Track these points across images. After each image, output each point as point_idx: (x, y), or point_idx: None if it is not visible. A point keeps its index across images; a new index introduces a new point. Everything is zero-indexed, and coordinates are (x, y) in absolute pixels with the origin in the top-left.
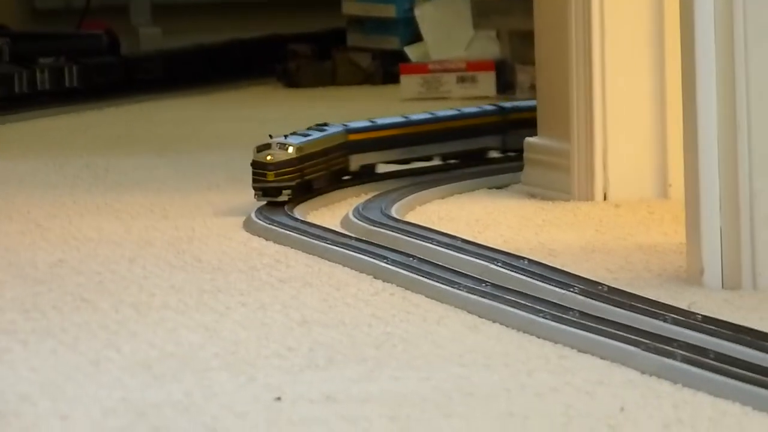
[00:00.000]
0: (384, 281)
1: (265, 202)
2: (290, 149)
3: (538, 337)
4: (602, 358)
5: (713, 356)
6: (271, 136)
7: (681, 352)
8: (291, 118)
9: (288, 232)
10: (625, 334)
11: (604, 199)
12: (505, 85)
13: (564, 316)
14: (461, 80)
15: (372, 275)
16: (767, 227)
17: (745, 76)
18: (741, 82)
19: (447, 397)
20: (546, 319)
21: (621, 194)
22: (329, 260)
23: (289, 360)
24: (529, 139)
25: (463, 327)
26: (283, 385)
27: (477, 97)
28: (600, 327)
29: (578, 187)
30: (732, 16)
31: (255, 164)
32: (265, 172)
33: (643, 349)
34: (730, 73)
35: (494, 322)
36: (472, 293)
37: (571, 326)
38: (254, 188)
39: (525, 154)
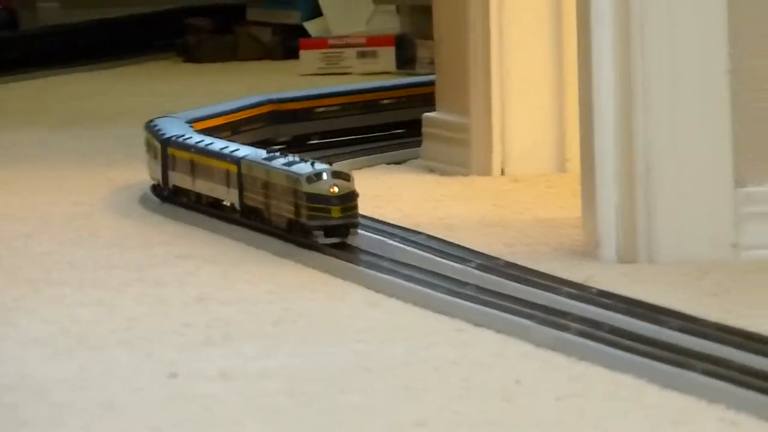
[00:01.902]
0: (283, 257)
1: (327, 242)
2: (350, 179)
3: (436, 312)
4: (499, 331)
5: (608, 329)
6: (312, 162)
7: (576, 325)
8: (191, 93)
9: (186, 209)
10: (521, 308)
11: (502, 173)
12: (405, 60)
13: (461, 290)
14: (361, 55)
15: (271, 252)
16: (663, 201)
17: (641, 52)
18: (637, 56)
19: (345, 372)
20: (443, 293)
21: (519, 169)
22: (228, 237)
23: (185, 336)
24: (427, 114)
25: (363, 303)
26: (179, 362)
27: (377, 72)
28: (497, 301)
29: (476, 161)
30: (629, 17)
31: (312, 198)
32: (329, 207)
33: (539, 323)
34: (626, 47)
35: (393, 297)
36: (371, 269)
37: (468, 300)
38: (312, 227)
39: (423, 129)
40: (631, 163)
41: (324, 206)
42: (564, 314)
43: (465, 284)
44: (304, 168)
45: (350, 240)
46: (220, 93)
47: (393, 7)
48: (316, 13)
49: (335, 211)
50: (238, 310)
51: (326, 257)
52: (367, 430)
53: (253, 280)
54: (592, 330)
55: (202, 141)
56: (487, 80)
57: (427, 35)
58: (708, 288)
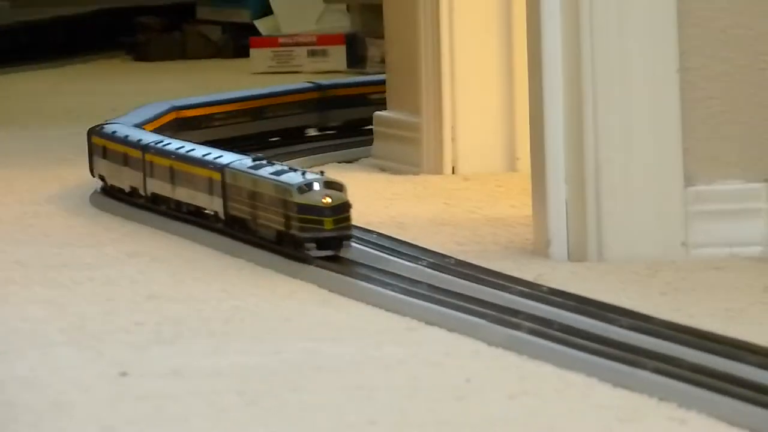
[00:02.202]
0: (233, 256)
1: (319, 255)
2: (342, 189)
3: (387, 310)
4: (450, 330)
5: (558, 327)
6: (303, 172)
7: (527, 323)
8: (140, 92)
9: (136, 208)
10: (472, 307)
11: (453, 172)
12: (356, 59)
13: (412, 289)
14: (312, 54)
15: (221, 251)
16: (613, 199)
17: (591, 50)
18: (586, 56)
19: (295, 370)
20: (395, 292)
21: (470, 167)
22: (178, 236)
23: (135, 335)
24: (378, 113)
25: (313, 301)
26: (129, 361)
27: (328, 71)
28: (448, 299)
29: (427, 160)
30: (578, 15)
31: (304, 209)
32: (321, 218)
33: (490, 321)
34: (576, 46)
35: (344, 296)
36: (321, 268)
37: (419, 299)
38: (303, 239)
39: (375, 128)
40: (581, 162)
41: (316, 218)
42: (515, 312)
43: (416, 282)
44: (294, 177)
45: (343, 253)
46: (169, 91)
47: (343, 6)
48: (267, 11)
49: (327, 223)
50: (189, 308)
51: (275, 256)
52: (317, 429)
53: (203, 278)
54: (543, 328)
55: (183, 147)
56: (438, 79)
57: (378, 34)
58: (658, 286)
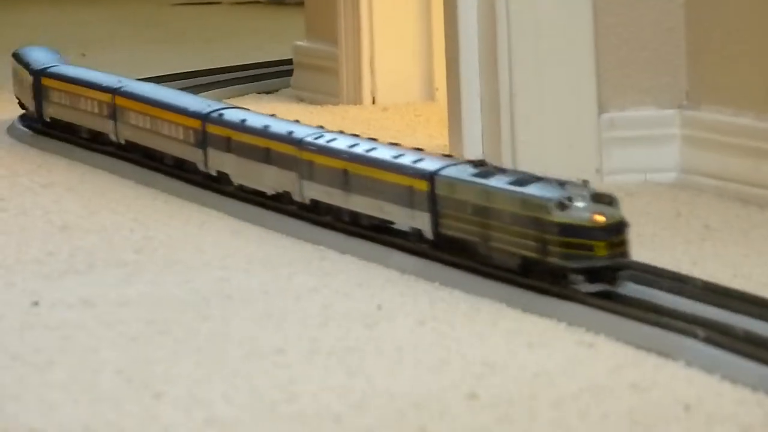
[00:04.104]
0: (146, 186)
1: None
2: (615, 203)
3: (300, 240)
4: (362, 258)
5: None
6: (561, 182)
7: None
8: (58, 23)
9: (51, 138)
10: (383, 236)
11: (373, 102)
12: None
13: (325, 218)
14: None
15: (134, 180)
16: (527, 127)
17: None
18: None
19: (206, 300)
20: (308, 222)
21: (389, 98)
22: (93, 166)
23: (48, 265)
24: (297, 43)
25: (226, 231)
26: (41, 290)
27: (248, 1)
28: (360, 230)
29: (347, 90)
30: None
31: (567, 229)
32: (591, 242)
33: (400, 249)
34: None
35: (256, 225)
36: (232, 198)
37: (331, 228)
38: (568, 269)
39: (294, 58)
40: (495, 92)
41: (584, 242)
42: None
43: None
44: (549, 189)
45: (620, 289)
46: (85, 24)
47: None
48: None
49: (600, 248)
50: (101, 238)
51: (188, 186)
52: (226, 357)
53: (117, 209)
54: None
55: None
56: (356, 9)
57: None
58: None
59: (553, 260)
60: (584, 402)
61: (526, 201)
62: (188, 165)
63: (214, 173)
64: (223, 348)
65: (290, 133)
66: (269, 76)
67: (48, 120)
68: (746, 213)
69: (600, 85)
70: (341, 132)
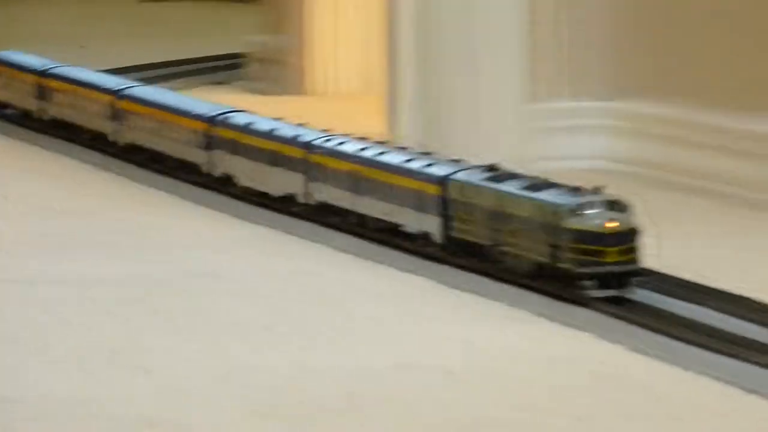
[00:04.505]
0: (128, 178)
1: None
2: (626, 208)
3: (260, 224)
4: (302, 237)
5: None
6: (574, 188)
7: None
8: (32, 21)
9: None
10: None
11: (317, 93)
12: None
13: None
14: None
15: (114, 173)
16: (459, 116)
17: None
18: None
19: (173, 278)
20: (273, 211)
21: (333, 88)
22: (77, 159)
23: (27, 245)
24: (248, 37)
25: (190, 215)
26: (7, 267)
27: None
28: (327, 219)
29: (293, 82)
30: None
31: (581, 236)
32: (603, 249)
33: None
34: None
35: (223, 212)
36: (196, 186)
37: (296, 217)
38: (580, 274)
39: (246, 52)
40: (430, 83)
41: (594, 248)
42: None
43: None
44: (563, 196)
45: (630, 294)
46: (62, 21)
47: None
48: None
49: (610, 254)
50: (80, 221)
51: (165, 177)
52: (188, 328)
53: (95, 195)
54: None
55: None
56: (303, 8)
57: None
58: None
59: (566, 266)
60: (513, 372)
61: (540, 206)
62: (192, 167)
63: (219, 175)
64: (186, 321)
65: (298, 136)
66: (222, 68)
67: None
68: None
69: (528, 78)
70: (348, 135)
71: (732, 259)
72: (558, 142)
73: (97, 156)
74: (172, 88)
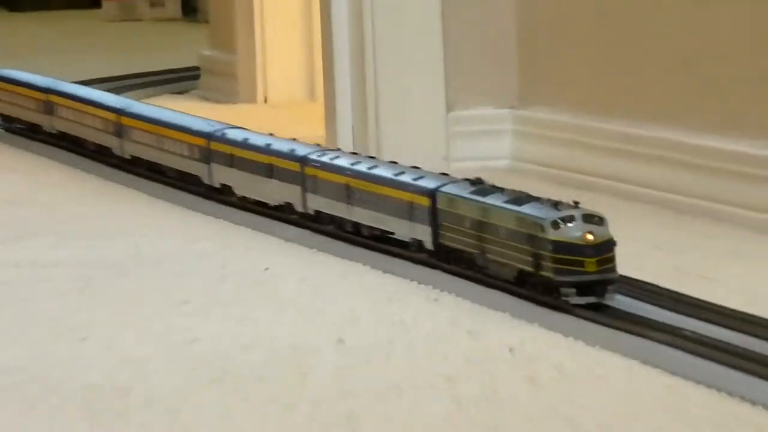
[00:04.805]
0: (83, 171)
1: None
2: (604, 223)
3: (204, 214)
4: (254, 229)
5: (337, 226)
6: (555, 203)
7: (313, 224)
8: (14, 34)
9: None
10: (272, 212)
11: (265, 101)
12: (189, 9)
13: (226, 198)
14: (152, 5)
15: (71, 165)
16: (389, 122)
17: (371, 4)
18: (367, 5)
19: (124, 262)
20: (208, 199)
21: (278, 98)
22: (38, 155)
23: None
24: (203, 52)
25: (144, 206)
26: None
27: (166, 18)
28: (253, 206)
29: (243, 92)
30: None
31: (561, 247)
32: (582, 259)
33: (287, 223)
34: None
35: (167, 201)
36: (145, 179)
37: (229, 206)
38: (560, 283)
39: (201, 65)
40: (363, 93)
41: (575, 258)
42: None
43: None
44: (544, 209)
45: (608, 301)
46: (37, 36)
47: None
48: None
49: (589, 265)
50: (38, 212)
51: (117, 171)
52: (139, 307)
53: (53, 190)
54: (323, 226)
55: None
56: (251, 25)
57: None
58: None
59: (547, 274)
60: (431, 345)
61: (523, 219)
62: (192, 178)
63: (218, 185)
64: (137, 300)
65: (293, 150)
66: (179, 79)
67: (57, 132)
68: (563, 192)
69: (448, 90)
70: (339, 149)
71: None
72: (472, 144)
73: (102, 167)
74: (136, 98)
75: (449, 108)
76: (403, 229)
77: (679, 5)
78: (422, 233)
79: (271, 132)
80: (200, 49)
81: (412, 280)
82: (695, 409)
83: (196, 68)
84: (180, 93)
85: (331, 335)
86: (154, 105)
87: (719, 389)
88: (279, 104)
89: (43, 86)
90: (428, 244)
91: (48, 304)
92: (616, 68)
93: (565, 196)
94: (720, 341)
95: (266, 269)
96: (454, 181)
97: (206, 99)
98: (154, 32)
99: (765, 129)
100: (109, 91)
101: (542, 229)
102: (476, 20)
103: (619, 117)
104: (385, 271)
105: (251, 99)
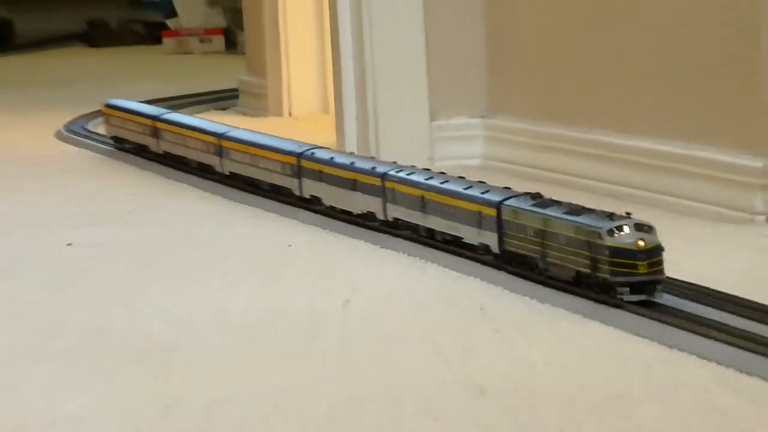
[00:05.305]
0: (144, 169)
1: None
2: (653, 230)
3: (241, 203)
4: (282, 215)
5: (340, 211)
6: (610, 214)
7: (327, 210)
8: (94, 65)
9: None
10: (294, 200)
11: (290, 115)
12: (231, 44)
13: (257, 190)
14: (201, 41)
15: (137, 166)
16: (385, 130)
17: (370, 36)
18: (367, 39)
19: (175, 242)
20: (249, 193)
21: (300, 111)
22: (116, 159)
23: (77, 220)
24: (241, 77)
25: (193, 197)
26: (71, 237)
27: (212, 51)
28: (281, 196)
29: (272, 107)
30: (361, 13)
31: (617, 252)
32: (635, 262)
33: (304, 210)
34: (360, 36)
35: (216, 194)
36: (199, 177)
37: (261, 196)
38: (617, 283)
39: (239, 87)
40: (365, 108)
41: (629, 261)
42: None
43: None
44: (601, 220)
45: (657, 298)
46: (113, 67)
47: (221, 9)
48: (174, 13)
49: (642, 267)
50: (109, 204)
51: (176, 171)
52: (187, 279)
53: (121, 186)
54: (331, 211)
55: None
56: (278, 56)
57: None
58: None
59: (604, 275)
60: (420, 311)
61: (582, 228)
62: (284, 190)
63: (308, 196)
64: (186, 272)
65: (374, 168)
66: (223, 99)
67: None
68: (523, 184)
69: (431, 104)
70: (414, 166)
71: None
72: (451, 147)
73: (204, 182)
74: (190, 113)
75: (432, 118)
76: (472, 236)
77: (628, 26)
78: (489, 239)
79: (301, 138)
80: (239, 75)
81: (402, 252)
82: (625, 355)
83: (236, 90)
84: (223, 109)
85: (339, 301)
86: (248, 129)
87: (670, 346)
88: (300, 117)
89: (150, 114)
90: (495, 249)
91: (118, 273)
92: (569, 84)
93: (526, 188)
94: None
95: (289, 246)
96: (516, 195)
97: (244, 114)
98: (203, 62)
99: (692, 132)
100: (169, 108)
101: (600, 236)
102: (452, 48)
103: (570, 124)
104: (382, 247)
105: (279, 113)
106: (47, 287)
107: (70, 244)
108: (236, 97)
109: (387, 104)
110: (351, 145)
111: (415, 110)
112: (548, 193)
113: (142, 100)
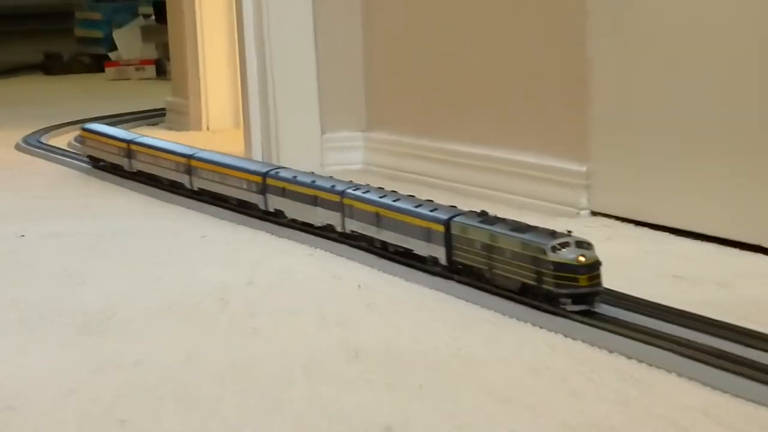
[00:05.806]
0: (139, 193)
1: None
2: (591, 247)
3: (208, 214)
4: (237, 224)
5: (285, 218)
6: (552, 232)
7: (257, 212)
8: (50, 90)
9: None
10: (250, 211)
11: (207, 129)
12: (161, 72)
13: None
14: (137, 69)
15: (127, 188)
16: (285, 141)
17: (271, 61)
18: (269, 63)
19: (117, 234)
20: (201, 202)
21: (217, 126)
22: (105, 180)
23: (36, 215)
24: (168, 98)
25: (139, 202)
26: (29, 228)
27: (146, 78)
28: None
29: (193, 123)
30: (263, 42)
31: (560, 267)
32: (576, 276)
33: (254, 217)
34: (263, 56)
35: (168, 201)
36: (144, 184)
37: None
38: (561, 295)
39: (166, 107)
40: (268, 123)
41: (570, 275)
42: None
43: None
44: (545, 238)
45: (596, 308)
46: (67, 92)
47: (153, 44)
48: (115, 48)
49: (582, 280)
50: (60, 202)
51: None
52: (120, 264)
53: (69, 188)
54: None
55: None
56: (197, 80)
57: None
58: None
59: (548, 288)
60: (315, 285)
61: (528, 244)
62: (251, 205)
63: (272, 210)
64: (129, 258)
65: (333, 186)
66: (153, 116)
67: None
68: (395, 185)
69: (321, 119)
70: (368, 185)
71: None
72: (338, 155)
73: (173, 196)
74: (128, 128)
75: (323, 132)
76: (422, 248)
77: (472, 49)
78: (438, 252)
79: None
80: (166, 97)
81: (294, 240)
82: (468, 322)
83: (164, 109)
84: (153, 125)
85: (243, 278)
86: (213, 151)
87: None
88: (216, 130)
89: (124, 138)
90: (443, 261)
91: (61, 258)
92: (435, 101)
93: (394, 187)
94: None
95: (203, 237)
96: (463, 212)
97: (170, 129)
98: (138, 87)
99: (529, 143)
100: (110, 124)
101: (544, 252)
102: (337, 71)
103: (428, 136)
104: (276, 235)
105: (198, 128)
106: (0, 272)
107: (23, 236)
108: (164, 114)
109: (286, 120)
110: (257, 153)
111: (308, 125)
112: (407, 191)
113: (88, 117)
